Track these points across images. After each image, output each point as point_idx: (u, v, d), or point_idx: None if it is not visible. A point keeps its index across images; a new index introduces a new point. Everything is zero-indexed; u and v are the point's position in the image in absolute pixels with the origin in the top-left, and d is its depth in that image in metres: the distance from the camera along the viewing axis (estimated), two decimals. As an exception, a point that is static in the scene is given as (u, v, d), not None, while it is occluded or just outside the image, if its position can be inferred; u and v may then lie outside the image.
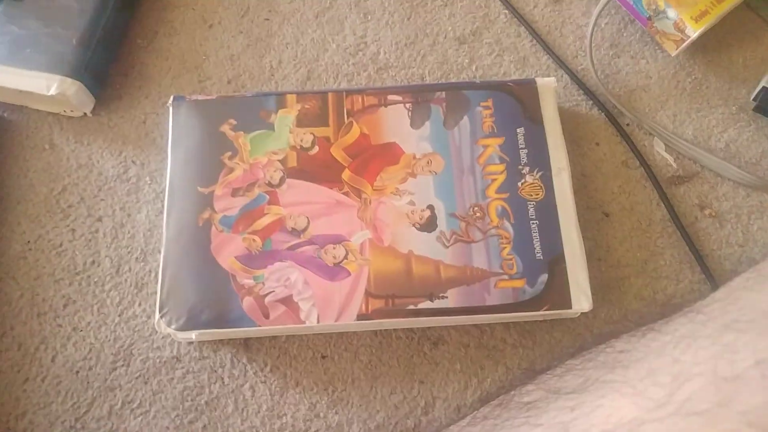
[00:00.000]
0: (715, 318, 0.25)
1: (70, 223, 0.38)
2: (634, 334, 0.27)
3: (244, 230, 0.34)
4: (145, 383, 0.34)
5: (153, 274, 0.36)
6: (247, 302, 0.32)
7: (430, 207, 0.35)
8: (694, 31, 0.39)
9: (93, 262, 0.37)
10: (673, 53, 0.41)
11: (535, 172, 0.36)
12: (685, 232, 0.37)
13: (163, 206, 0.38)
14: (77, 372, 0.34)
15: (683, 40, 0.40)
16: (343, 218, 0.34)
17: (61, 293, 0.36)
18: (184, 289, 0.32)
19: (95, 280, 0.36)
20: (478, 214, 0.34)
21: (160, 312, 0.32)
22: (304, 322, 0.32)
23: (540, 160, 0.36)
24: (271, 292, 0.33)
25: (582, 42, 0.43)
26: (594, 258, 0.37)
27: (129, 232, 0.37)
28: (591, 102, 0.41)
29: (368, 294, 0.33)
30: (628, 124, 0.41)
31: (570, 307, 0.33)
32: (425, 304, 0.33)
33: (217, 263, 0.33)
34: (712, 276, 0.36)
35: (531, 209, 0.35)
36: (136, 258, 0.37)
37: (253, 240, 0.34)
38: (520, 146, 0.36)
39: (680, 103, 0.41)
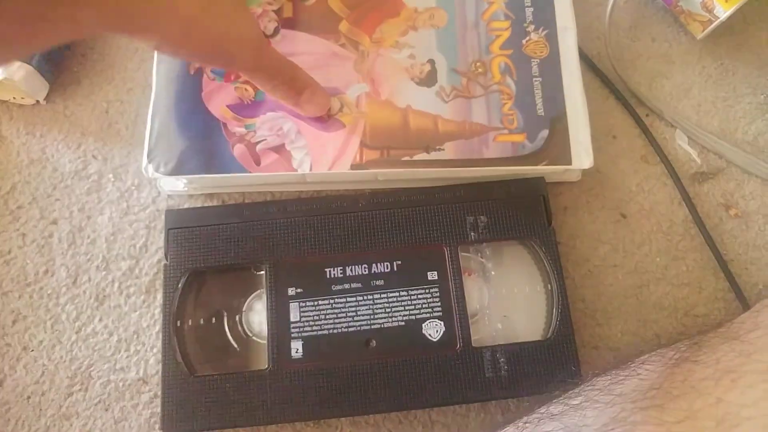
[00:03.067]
0: (762, 348, 0.21)
1: (21, 226, 0.33)
2: (661, 359, 0.24)
3: (236, 79, 0.33)
4: (106, 410, 0.30)
5: (116, 285, 0.32)
6: (238, 149, 0.32)
7: (431, 61, 0.34)
8: (723, 12, 0.35)
9: (46, 271, 0.32)
10: (699, 36, 0.37)
11: (540, 30, 0.34)
12: (708, 234, 0.34)
13: (128, 206, 0.34)
14: (28, 398, 0.30)
15: (711, 22, 0.36)
16: (339, 70, 0.33)
17: (10, 307, 0.32)
18: (173, 135, 0.32)
19: (49, 292, 0.32)
20: (480, 70, 0.33)
21: (148, 158, 0.31)
22: (296, 170, 0.31)
23: (545, 18, 0.35)
24: (262, 140, 0.32)
25: (599, 23, 0.39)
26: (609, 264, 0.33)
27: (89, 237, 0.33)
28: (608, 90, 0.37)
29: (363, 145, 0.32)
30: (647, 115, 0.37)
31: (570, 163, 0.32)
32: (421, 156, 0.32)
33: (208, 111, 0.32)
34: (736, 283, 0.33)
35: (534, 66, 0.34)
36: (97, 266, 0.32)
37: (246, 89, 0.33)
38: (526, 4, 0.35)
39: (705, 92, 0.37)
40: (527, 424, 0.23)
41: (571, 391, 0.24)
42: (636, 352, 0.31)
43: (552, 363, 0.28)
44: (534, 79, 0.33)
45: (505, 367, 0.28)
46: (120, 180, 0.34)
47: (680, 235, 0.34)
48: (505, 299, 0.30)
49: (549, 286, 0.30)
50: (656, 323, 0.32)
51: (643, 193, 0.35)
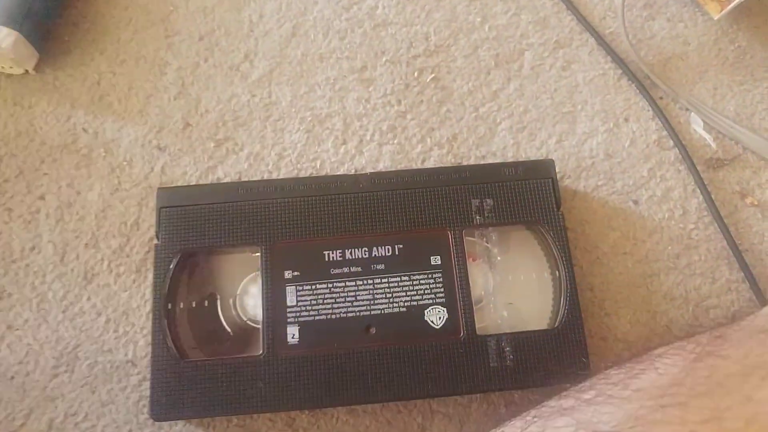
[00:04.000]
0: None
1: (7, 201, 0.32)
2: (681, 353, 0.22)
3: None
4: (93, 392, 0.29)
5: (106, 263, 0.31)
6: None
7: None
8: (745, -10, 0.33)
9: (33, 248, 0.31)
10: (716, 17, 0.35)
11: None
12: (723, 223, 0.32)
13: (119, 182, 0.32)
14: (12, 378, 0.29)
15: (729, 2, 0.34)
16: None
17: (-5, 284, 0.30)
18: None
19: (35, 269, 0.31)
20: None
21: None
22: None
23: None
24: None
25: (612, 1, 0.37)
26: (619, 252, 0.32)
27: (77, 214, 0.32)
28: (620, 71, 0.36)
29: None
30: (661, 98, 0.35)
31: None
32: None
33: None
34: (751, 274, 0.32)
35: None
36: (86, 244, 0.31)
37: None
38: None
39: (721, 75, 0.36)
40: (536, 419, 0.22)
41: (582, 384, 0.23)
42: (646, 343, 0.30)
43: (560, 353, 0.27)
44: None
45: (511, 356, 0.27)
46: (111, 155, 0.33)
47: (693, 224, 0.33)
48: (511, 286, 0.29)
49: (557, 273, 0.29)
50: (666, 314, 0.31)
51: (656, 178, 0.34)
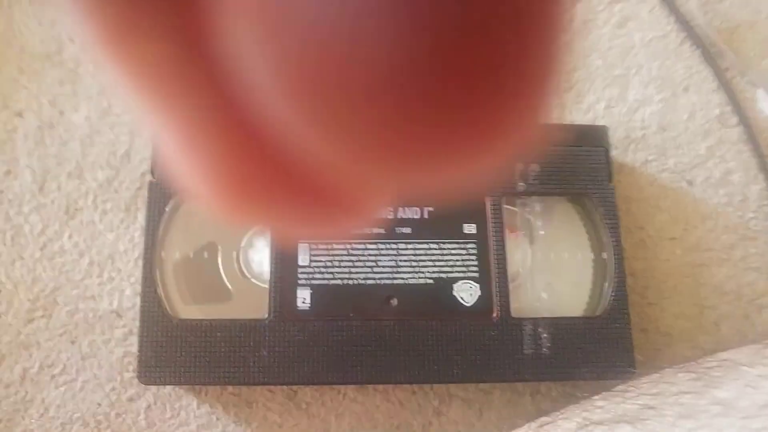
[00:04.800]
0: None
1: (-23, 115, 0.27)
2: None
3: None
4: (72, 343, 0.25)
5: (91, 198, 0.27)
6: None
7: None
8: None
9: (8, 172, 0.27)
10: (805, -20, 0.31)
11: None
12: (782, 215, 0.29)
13: (109, 105, 0.28)
14: (-20, 319, 0.26)
15: (823, -36, 0.30)
16: None
17: (-40, 211, 0.26)
18: None
19: (10, 197, 0.27)
20: None
21: None
22: None
23: None
24: None
25: (689, -50, 0.33)
26: (666, 236, 0.29)
27: (60, 137, 0.27)
28: (683, 34, 0.32)
29: None
30: (727, 69, 0.32)
31: None
32: None
33: None
34: (804, 273, 0.29)
35: None
36: (69, 173, 0.27)
37: None
38: None
39: (799, 49, 0.32)
40: (590, 426, 0.19)
41: (637, 382, 0.20)
42: (691, 340, 0.27)
43: (602, 345, 0.24)
44: None
45: (548, 343, 0.24)
46: (102, 73, 0.28)
47: (753, 212, 0.30)
48: (553, 265, 0.26)
49: (603, 254, 0.26)
50: (716, 310, 0.28)
51: (715, 158, 0.30)
